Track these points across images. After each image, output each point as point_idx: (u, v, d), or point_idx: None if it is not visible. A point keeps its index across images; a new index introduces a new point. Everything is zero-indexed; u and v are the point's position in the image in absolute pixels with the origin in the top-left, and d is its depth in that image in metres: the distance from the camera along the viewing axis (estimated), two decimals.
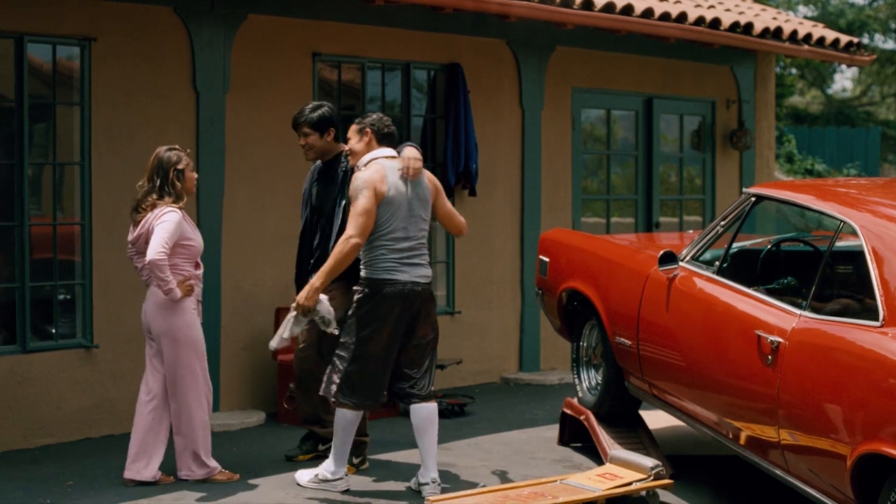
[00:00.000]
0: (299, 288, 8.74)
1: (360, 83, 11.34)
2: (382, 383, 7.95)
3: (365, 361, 7.84)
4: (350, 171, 8.36)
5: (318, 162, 8.79)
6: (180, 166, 8.24)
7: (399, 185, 7.87)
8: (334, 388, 7.89)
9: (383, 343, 7.84)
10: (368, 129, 8.09)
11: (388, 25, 11.29)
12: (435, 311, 8.10)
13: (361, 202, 7.75)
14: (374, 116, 8.18)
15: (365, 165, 7.99)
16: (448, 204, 8.21)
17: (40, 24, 9.29)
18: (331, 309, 7.89)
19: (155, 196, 8.17)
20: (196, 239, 8.27)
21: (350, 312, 7.91)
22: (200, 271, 8.33)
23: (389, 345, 7.87)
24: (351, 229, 7.75)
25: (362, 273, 7.91)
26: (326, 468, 8.04)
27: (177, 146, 8.37)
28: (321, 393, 8.04)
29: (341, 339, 7.94)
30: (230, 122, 10.29)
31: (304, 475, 8.16)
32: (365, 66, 11.31)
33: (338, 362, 7.92)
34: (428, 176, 8.09)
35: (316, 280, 7.83)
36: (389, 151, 8.06)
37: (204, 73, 10.10)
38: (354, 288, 7.96)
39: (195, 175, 8.43)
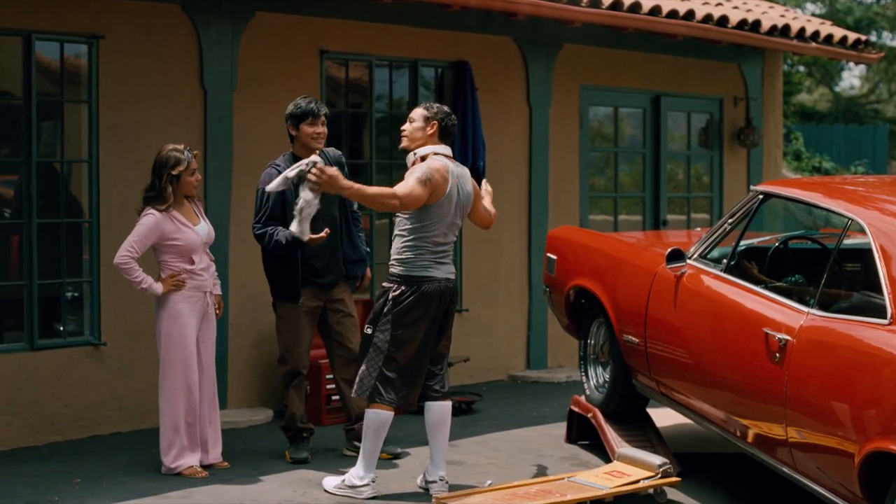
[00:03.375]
0: (286, 294, 8.70)
1: (367, 81, 11.35)
2: (420, 381, 7.85)
3: (402, 359, 7.73)
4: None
5: (281, 164, 8.62)
6: (175, 171, 8.30)
7: (451, 192, 7.75)
8: (369, 387, 7.77)
9: (420, 340, 7.75)
10: (435, 123, 7.89)
11: (395, 23, 11.30)
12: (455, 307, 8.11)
13: (418, 189, 7.54)
14: (445, 110, 7.93)
15: (422, 158, 7.82)
16: (482, 202, 8.12)
17: (48, 21, 9.30)
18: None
19: (150, 194, 8.36)
20: (184, 237, 8.32)
21: (385, 310, 7.75)
22: (196, 266, 8.37)
23: (426, 341, 7.79)
24: (401, 193, 7.54)
25: (396, 270, 7.77)
26: (354, 473, 7.82)
27: (180, 147, 8.42)
28: (354, 394, 7.93)
29: (374, 339, 7.78)
30: (238, 120, 10.30)
31: (330, 482, 7.96)
32: (373, 64, 11.31)
33: (371, 361, 7.79)
34: (475, 187, 8.02)
35: (346, 183, 7.54)
36: (445, 150, 7.89)
37: (211, 71, 10.11)
38: (385, 285, 7.85)
39: (195, 178, 8.43)
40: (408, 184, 7.64)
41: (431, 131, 7.88)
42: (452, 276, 7.91)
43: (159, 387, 8.41)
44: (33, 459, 8.87)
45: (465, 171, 7.98)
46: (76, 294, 9.73)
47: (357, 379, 7.87)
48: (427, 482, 7.97)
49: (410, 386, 7.81)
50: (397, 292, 7.75)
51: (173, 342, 8.33)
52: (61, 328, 9.58)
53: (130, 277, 8.25)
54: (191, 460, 8.40)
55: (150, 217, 8.28)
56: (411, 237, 7.74)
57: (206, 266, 8.47)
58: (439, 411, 7.94)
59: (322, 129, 8.73)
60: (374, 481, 7.81)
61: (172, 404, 8.35)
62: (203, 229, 8.47)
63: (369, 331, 7.84)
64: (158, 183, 8.31)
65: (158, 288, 8.28)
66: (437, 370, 7.97)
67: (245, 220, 10.20)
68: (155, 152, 8.44)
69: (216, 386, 8.67)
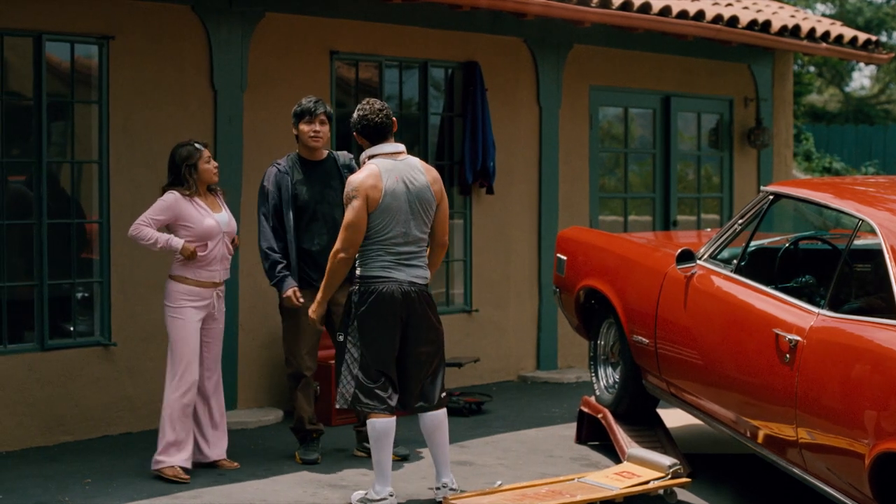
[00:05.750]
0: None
1: (377, 81, 11.35)
2: (394, 382, 7.61)
3: (375, 363, 7.55)
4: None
5: (283, 163, 8.77)
6: (191, 162, 8.39)
7: (396, 189, 7.52)
8: (350, 397, 7.61)
9: (387, 340, 7.55)
10: (354, 133, 7.81)
11: (405, 24, 11.30)
12: (435, 313, 7.77)
13: (349, 215, 7.49)
14: (356, 114, 7.74)
15: (361, 166, 7.73)
16: (444, 213, 7.78)
17: (59, 22, 9.32)
18: None
19: (170, 185, 8.47)
20: (202, 222, 8.35)
21: (351, 315, 7.63)
22: (210, 251, 8.37)
23: (393, 341, 7.58)
24: (338, 243, 7.55)
25: (357, 272, 7.64)
26: (373, 487, 7.62)
27: (191, 140, 8.52)
28: (337, 406, 7.75)
29: (346, 345, 7.66)
30: (248, 120, 10.31)
31: (356, 495, 7.74)
32: (382, 65, 11.32)
33: (348, 369, 7.64)
34: (433, 176, 7.74)
35: (319, 294, 7.80)
36: (389, 147, 7.69)
37: (222, 72, 10.12)
38: (351, 288, 7.71)
39: (211, 166, 8.49)
40: (341, 227, 7.58)
41: (361, 141, 7.78)
42: (420, 281, 7.65)
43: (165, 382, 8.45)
44: (43, 460, 8.88)
45: (414, 163, 7.69)
46: (86, 294, 9.74)
47: (337, 391, 7.70)
48: (436, 489, 7.88)
49: (390, 389, 7.60)
50: (357, 296, 7.61)
51: (175, 341, 8.34)
52: (71, 329, 9.59)
53: (144, 241, 8.28)
54: (176, 460, 8.33)
55: (171, 195, 8.36)
56: (368, 241, 7.56)
57: (222, 257, 8.46)
58: (430, 421, 7.74)
59: (320, 128, 8.71)
60: (392, 495, 7.58)
61: (168, 401, 8.33)
62: (223, 218, 8.50)
63: (341, 338, 7.70)
64: (178, 177, 8.38)
65: (178, 242, 8.26)
66: (421, 382, 7.71)
67: (255, 220, 10.21)
68: (165, 153, 8.48)
69: (221, 385, 8.65)
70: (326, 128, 8.76)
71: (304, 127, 8.71)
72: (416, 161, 7.74)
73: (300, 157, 8.82)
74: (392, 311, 7.56)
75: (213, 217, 8.42)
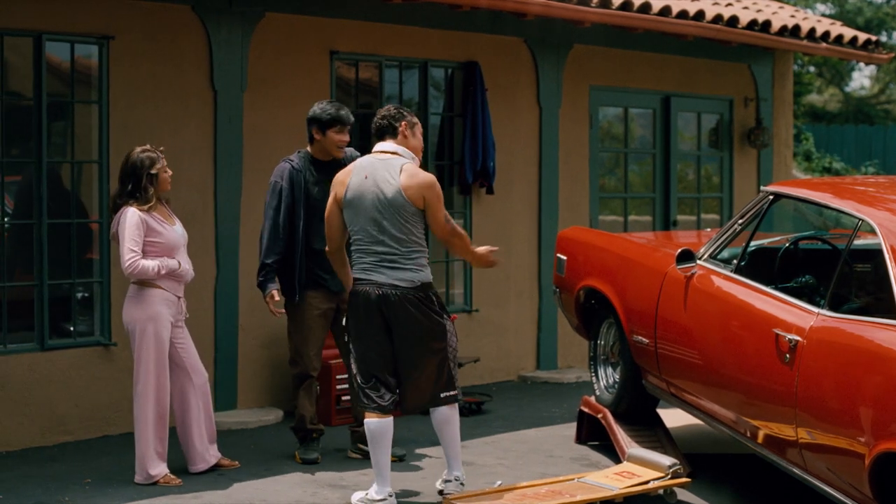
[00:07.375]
0: (287, 291, 8.75)
1: (377, 81, 11.35)
2: (387, 382, 7.60)
3: (362, 363, 7.61)
4: None
5: (296, 161, 8.73)
6: (153, 170, 8.17)
7: (361, 186, 7.54)
8: (354, 395, 7.70)
9: (371, 341, 7.56)
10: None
11: (405, 24, 11.30)
12: (426, 314, 7.61)
13: (327, 212, 7.79)
14: (380, 113, 7.83)
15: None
16: (433, 213, 7.57)
17: (59, 22, 9.32)
18: None
19: (124, 199, 8.17)
20: (167, 234, 8.17)
21: (345, 317, 7.84)
22: (182, 267, 8.24)
23: (378, 342, 7.57)
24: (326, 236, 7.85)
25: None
26: (373, 489, 7.62)
27: (149, 147, 8.29)
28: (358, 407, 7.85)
29: (349, 346, 7.78)
30: (248, 120, 10.31)
31: (356, 496, 7.74)
32: (382, 65, 11.32)
33: (350, 369, 7.81)
34: (413, 181, 7.50)
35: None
36: (382, 146, 7.70)
37: (222, 72, 10.12)
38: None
39: (169, 174, 8.30)
40: None
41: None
42: (404, 283, 7.53)
43: (134, 392, 8.27)
44: (43, 460, 8.88)
45: (395, 164, 7.58)
46: (86, 294, 9.74)
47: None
48: (444, 482, 7.88)
49: (382, 388, 7.60)
50: (348, 298, 7.78)
51: (149, 344, 8.16)
52: (71, 328, 9.59)
53: (149, 274, 8.05)
54: (164, 468, 8.26)
55: (132, 212, 8.08)
56: (351, 242, 7.71)
57: (187, 268, 8.37)
58: (439, 416, 7.75)
59: (347, 138, 8.74)
60: (391, 495, 7.58)
61: (145, 409, 8.21)
62: (179, 230, 8.34)
63: (346, 338, 7.81)
64: (138, 185, 8.14)
65: (173, 262, 8.15)
66: (415, 383, 7.67)
67: (255, 220, 10.22)
68: (166, 153, 8.44)
69: (208, 387, 8.55)
70: (348, 137, 8.79)
71: (334, 136, 8.64)
72: (399, 162, 7.60)
73: (313, 157, 8.78)
74: (368, 312, 7.58)
75: (173, 229, 8.27)
